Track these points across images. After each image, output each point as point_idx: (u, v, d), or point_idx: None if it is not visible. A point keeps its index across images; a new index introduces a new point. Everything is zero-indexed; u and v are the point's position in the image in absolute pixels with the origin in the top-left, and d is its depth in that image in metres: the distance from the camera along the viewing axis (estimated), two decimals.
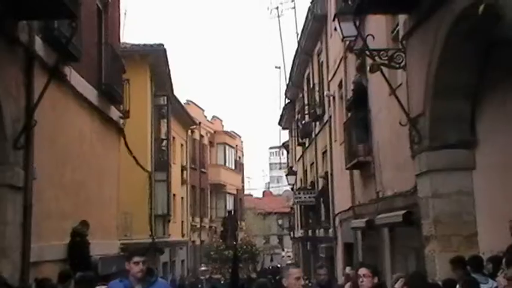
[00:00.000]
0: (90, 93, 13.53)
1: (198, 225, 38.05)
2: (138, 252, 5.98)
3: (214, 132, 44.65)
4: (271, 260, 50.21)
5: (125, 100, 16.97)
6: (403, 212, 10.74)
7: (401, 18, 10.47)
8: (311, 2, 21.36)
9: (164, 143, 26.83)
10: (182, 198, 33.01)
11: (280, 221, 52.17)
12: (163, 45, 24.22)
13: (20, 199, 9.41)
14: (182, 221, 32.71)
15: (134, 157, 19.36)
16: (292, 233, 35.65)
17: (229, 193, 46.91)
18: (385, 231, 12.97)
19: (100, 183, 14.44)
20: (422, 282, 6.85)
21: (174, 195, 29.07)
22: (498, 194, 8.36)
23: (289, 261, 30.79)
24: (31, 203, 9.62)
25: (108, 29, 15.50)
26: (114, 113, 15.75)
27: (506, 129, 8.14)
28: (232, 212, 40.99)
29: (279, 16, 31.78)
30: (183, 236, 32.70)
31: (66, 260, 11.17)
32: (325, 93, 20.66)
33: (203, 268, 29.11)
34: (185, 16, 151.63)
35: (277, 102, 63.58)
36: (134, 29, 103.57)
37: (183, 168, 33.21)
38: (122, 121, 16.60)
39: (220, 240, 36.07)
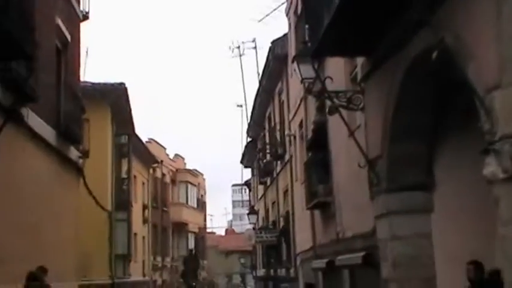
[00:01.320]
0: (49, 133, 13.33)
1: (160, 265, 37.47)
2: None
3: (176, 170, 44.39)
4: None
5: (84, 140, 16.78)
6: (362, 253, 10.73)
7: (360, 60, 10.57)
8: (272, 43, 21.58)
9: (125, 182, 26.58)
10: (143, 237, 32.56)
11: (242, 260, 51.75)
12: (124, 84, 24.11)
13: None
14: (143, 261, 32.22)
15: (94, 197, 19.08)
16: (254, 271, 35.35)
17: (191, 231, 46.47)
18: (346, 272, 12.93)
19: (58, 225, 14.11)
20: None
21: (135, 234, 28.68)
22: (456, 237, 8.41)
23: None
24: None
25: (67, 69, 15.35)
26: (73, 153, 15.52)
27: (462, 171, 8.22)
28: (194, 250, 40.53)
29: (240, 55, 32.08)
30: (144, 275, 32.16)
31: None
32: (286, 133, 20.76)
33: None
34: (148, 54, 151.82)
35: (240, 140, 63.71)
36: (96, 66, 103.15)
37: (144, 207, 32.86)
38: (81, 161, 16.39)
39: (181, 280, 35.48)
